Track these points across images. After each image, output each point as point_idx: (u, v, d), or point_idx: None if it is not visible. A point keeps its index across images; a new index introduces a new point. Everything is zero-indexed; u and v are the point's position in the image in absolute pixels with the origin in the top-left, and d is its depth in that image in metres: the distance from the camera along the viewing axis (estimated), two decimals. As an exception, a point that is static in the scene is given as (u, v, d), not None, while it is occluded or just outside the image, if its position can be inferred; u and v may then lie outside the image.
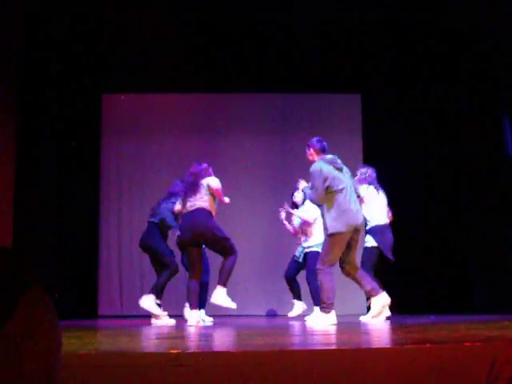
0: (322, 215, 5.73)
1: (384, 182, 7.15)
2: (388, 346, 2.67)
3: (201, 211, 5.81)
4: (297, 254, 7.06)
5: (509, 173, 7.85)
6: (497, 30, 7.59)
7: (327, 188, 5.38)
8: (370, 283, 5.69)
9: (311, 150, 5.70)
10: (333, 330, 4.53)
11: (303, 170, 9.02)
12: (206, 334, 4.13)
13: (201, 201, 5.84)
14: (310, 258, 6.69)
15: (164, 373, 2.19)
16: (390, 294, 6.58)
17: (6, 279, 0.73)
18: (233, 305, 5.77)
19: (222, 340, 3.51)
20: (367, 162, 8.83)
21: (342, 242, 5.42)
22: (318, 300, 6.02)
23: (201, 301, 6.30)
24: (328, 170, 5.43)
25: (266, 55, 8.48)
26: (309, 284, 6.78)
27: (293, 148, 9.13)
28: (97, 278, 8.77)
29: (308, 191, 5.91)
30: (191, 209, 5.83)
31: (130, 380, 2.17)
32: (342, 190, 5.40)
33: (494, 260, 7.87)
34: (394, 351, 2.42)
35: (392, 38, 8.23)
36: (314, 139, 5.76)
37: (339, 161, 5.63)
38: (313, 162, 5.61)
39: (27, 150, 7.46)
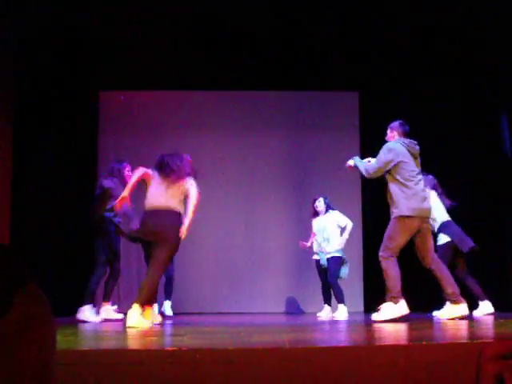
0: (391, 197, 5.47)
1: (381, 180, 7.14)
2: (388, 344, 2.67)
3: None
4: (322, 262, 7.43)
5: (507, 170, 7.85)
6: (496, 27, 7.59)
7: (398, 164, 5.34)
8: (452, 286, 5.42)
9: (394, 133, 5.70)
10: (331, 327, 4.53)
11: (301, 165, 9.09)
12: (203, 332, 4.12)
13: None
14: (333, 263, 7.28)
15: (161, 370, 2.18)
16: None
17: (1, 274, 0.73)
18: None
19: (220, 337, 3.51)
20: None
21: (409, 228, 5.26)
22: (341, 299, 7.06)
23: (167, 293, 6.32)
24: (401, 150, 5.43)
25: (264, 53, 8.47)
26: (333, 287, 7.28)
27: (290, 145, 9.15)
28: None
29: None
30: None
31: (126, 377, 2.17)
32: (415, 174, 5.37)
33: (492, 257, 7.88)
34: (393, 349, 2.42)
35: (390, 35, 8.22)
36: (397, 122, 5.78)
37: (417, 147, 5.59)
38: None
39: (24, 147, 7.45)
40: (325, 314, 7.33)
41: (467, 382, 2.20)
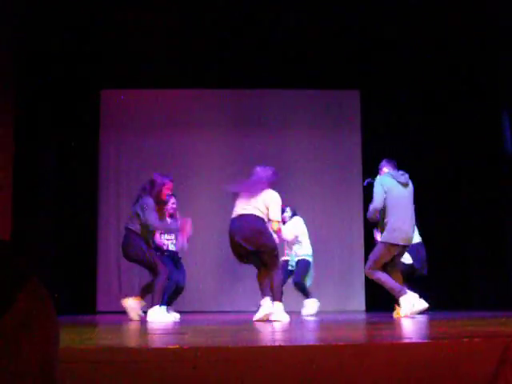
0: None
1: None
2: (387, 342, 2.67)
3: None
4: (291, 262, 7.56)
5: (509, 168, 7.85)
6: (496, 24, 7.58)
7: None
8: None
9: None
10: (332, 325, 4.54)
11: (301, 165, 9.08)
12: (204, 330, 4.13)
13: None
14: (302, 265, 7.44)
15: (162, 368, 2.18)
16: (388, 292, 6.60)
17: (3, 271, 0.73)
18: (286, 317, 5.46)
19: (221, 335, 3.51)
20: (366, 158, 8.84)
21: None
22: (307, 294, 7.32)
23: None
24: (390, 183, 5.93)
25: (266, 51, 8.46)
26: (297, 285, 7.40)
27: (291, 144, 9.14)
28: (95, 273, 8.77)
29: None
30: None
31: (128, 375, 2.17)
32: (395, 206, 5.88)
33: (492, 256, 7.88)
34: (392, 347, 2.42)
35: (391, 34, 8.21)
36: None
37: (404, 177, 6.07)
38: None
39: (26, 145, 7.44)
40: (308, 310, 7.27)
41: (468, 379, 2.20)
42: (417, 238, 6.80)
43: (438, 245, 8.41)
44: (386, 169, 6.19)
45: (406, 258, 6.73)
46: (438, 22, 7.79)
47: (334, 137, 9.23)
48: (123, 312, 6.06)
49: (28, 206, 7.41)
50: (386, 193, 5.86)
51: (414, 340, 2.82)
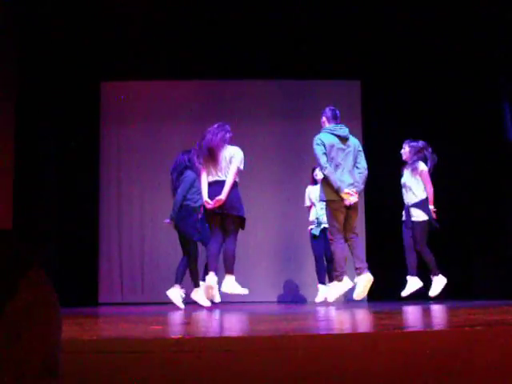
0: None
1: (384, 168, 7.15)
2: (388, 331, 2.67)
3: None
4: (313, 231, 7.61)
5: (509, 159, 7.84)
6: (496, 15, 7.55)
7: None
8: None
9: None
10: (335, 315, 4.55)
11: (304, 154, 9.05)
12: (207, 320, 4.14)
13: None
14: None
15: (165, 359, 2.19)
16: (390, 281, 6.64)
17: (7, 261, 0.73)
18: (244, 290, 5.88)
19: (224, 325, 3.52)
20: (366, 148, 8.82)
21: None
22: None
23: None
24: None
25: (266, 41, 8.43)
26: (328, 262, 7.37)
27: (291, 134, 9.12)
28: (97, 265, 8.78)
29: None
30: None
31: (131, 366, 2.18)
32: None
33: (494, 245, 7.89)
34: (395, 335, 2.43)
35: (392, 24, 8.18)
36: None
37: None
38: None
39: (26, 137, 7.45)
40: (321, 296, 7.26)
41: (471, 368, 2.21)
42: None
43: (440, 234, 8.41)
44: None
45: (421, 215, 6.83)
46: (438, 11, 7.76)
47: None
48: (125, 303, 6.07)
49: (29, 198, 7.42)
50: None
51: (416, 329, 2.83)
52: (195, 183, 6.44)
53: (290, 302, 8.62)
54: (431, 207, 6.89)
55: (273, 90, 9.18)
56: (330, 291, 6.00)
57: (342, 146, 5.90)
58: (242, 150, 6.08)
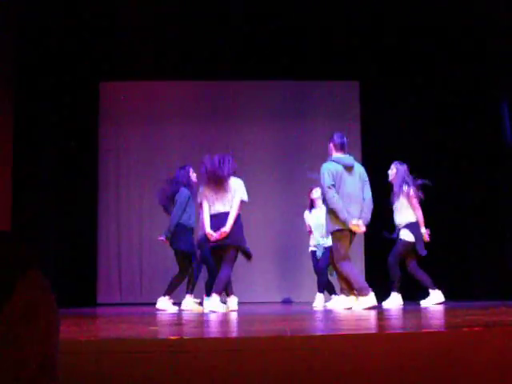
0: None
1: (382, 170, 7.14)
2: (388, 332, 2.67)
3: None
4: (318, 253, 7.50)
5: (509, 160, 7.84)
6: (495, 15, 7.55)
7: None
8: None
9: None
10: (334, 315, 4.55)
11: (302, 155, 9.06)
12: (205, 321, 4.14)
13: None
14: (328, 252, 7.29)
15: (163, 359, 2.19)
16: (388, 281, 6.63)
17: (4, 261, 0.72)
18: (223, 308, 5.81)
19: (223, 326, 3.52)
20: (365, 149, 8.83)
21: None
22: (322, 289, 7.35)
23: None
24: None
25: (265, 43, 8.44)
26: (319, 275, 7.43)
27: (291, 135, 9.12)
28: (96, 266, 8.78)
29: None
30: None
31: (129, 366, 2.17)
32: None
33: (492, 246, 7.89)
34: (394, 336, 2.43)
35: (390, 24, 8.19)
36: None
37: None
38: None
39: (25, 138, 7.43)
40: (318, 303, 7.31)
41: (469, 368, 2.21)
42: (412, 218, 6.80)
43: (438, 235, 8.41)
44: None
45: (408, 236, 6.75)
46: (437, 12, 7.76)
47: (334, 128, 9.19)
48: (123, 304, 6.07)
49: (28, 199, 7.41)
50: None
51: (415, 330, 2.83)
52: (189, 201, 6.44)
53: (289, 302, 8.63)
54: (423, 230, 6.73)
55: (272, 90, 9.18)
56: (355, 304, 5.74)
57: (348, 175, 5.79)
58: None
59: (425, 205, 6.99)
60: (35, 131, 7.77)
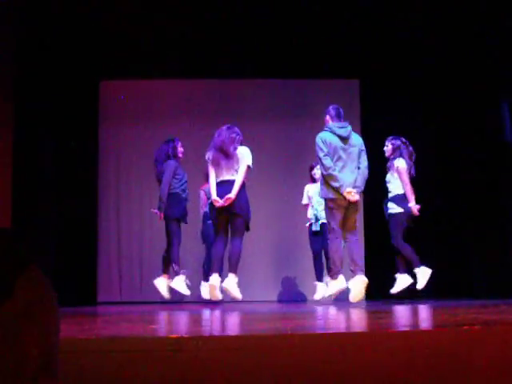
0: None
1: (382, 167, 7.14)
2: (387, 330, 2.67)
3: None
4: (313, 226, 7.65)
5: (508, 159, 7.84)
6: (495, 14, 7.55)
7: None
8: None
9: None
10: (333, 314, 4.55)
11: (303, 154, 9.05)
12: (206, 319, 4.14)
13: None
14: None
15: (163, 358, 2.19)
16: (389, 280, 6.64)
17: (4, 259, 0.72)
18: (239, 296, 6.06)
19: (223, 324, 3.52)
20: (365, 146, 8.82)
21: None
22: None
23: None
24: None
25: (264, 40, 8.43)
26: (326, 253, 7.25)
27: (290, 133, 9.12)
28: (96, 264, 8.78)
29: None
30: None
31: (130, 365, 2.17)
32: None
33: (493, 244, 7.89)
34: (393, 335, 2.43)
35: (391, 22, 8.18)
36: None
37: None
38: None
39: (25, 137, 7.43)
40: (320, 294, 7.28)
41: (468, 367, 2.21)
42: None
43: (438, 232, 8.42)
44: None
45: (395, 208, 6.76)
46: (437, 10, 7.76)
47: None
48: (124, 303, 6.08)
49: (28, 197, 7.41)
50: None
51: (414, 328, 2.83)
52: (177, 171, 6.60)
53: (288, 300, 8.62)
54: (411, 204, 6.69)
55: (272, 88, 9.18)
56: (327, 288, 6.12)
57: (343, 145, 5.93)
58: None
59: (425, 205, 6.99)
60: (35, 130, 7.76)
